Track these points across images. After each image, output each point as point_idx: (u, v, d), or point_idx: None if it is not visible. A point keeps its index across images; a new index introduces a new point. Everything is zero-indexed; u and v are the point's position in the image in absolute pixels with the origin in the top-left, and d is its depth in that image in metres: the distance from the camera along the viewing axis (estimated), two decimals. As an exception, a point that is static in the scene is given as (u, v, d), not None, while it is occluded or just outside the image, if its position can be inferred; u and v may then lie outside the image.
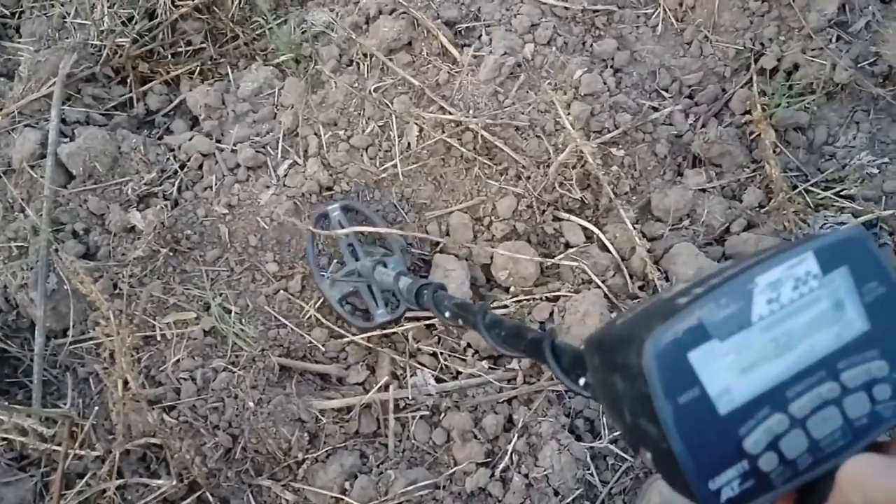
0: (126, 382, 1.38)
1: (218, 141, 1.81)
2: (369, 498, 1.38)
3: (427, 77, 1.78)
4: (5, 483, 1.40)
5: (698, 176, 1.76)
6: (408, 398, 1.52)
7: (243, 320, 1.59)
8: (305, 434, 1.44)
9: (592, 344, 0.52)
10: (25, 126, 1.76)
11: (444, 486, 1.42)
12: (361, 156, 1.76)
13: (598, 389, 0.52)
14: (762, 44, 1.84)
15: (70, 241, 1.65)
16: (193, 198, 1.73)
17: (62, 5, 2.00)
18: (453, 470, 1.44)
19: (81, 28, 1.96)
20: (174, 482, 1.37)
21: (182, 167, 1.78)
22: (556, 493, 1.39)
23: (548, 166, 1.68)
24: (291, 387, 1.52)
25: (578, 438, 1.47)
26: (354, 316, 1.61)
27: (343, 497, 1.39)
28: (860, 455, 0.45)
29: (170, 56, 2.03)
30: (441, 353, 1.59)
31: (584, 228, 1.70)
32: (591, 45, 1.87)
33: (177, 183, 1.75)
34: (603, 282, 1.61)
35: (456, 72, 1.77)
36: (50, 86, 1.81)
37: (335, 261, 1.70)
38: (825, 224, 1.68)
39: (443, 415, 1.51)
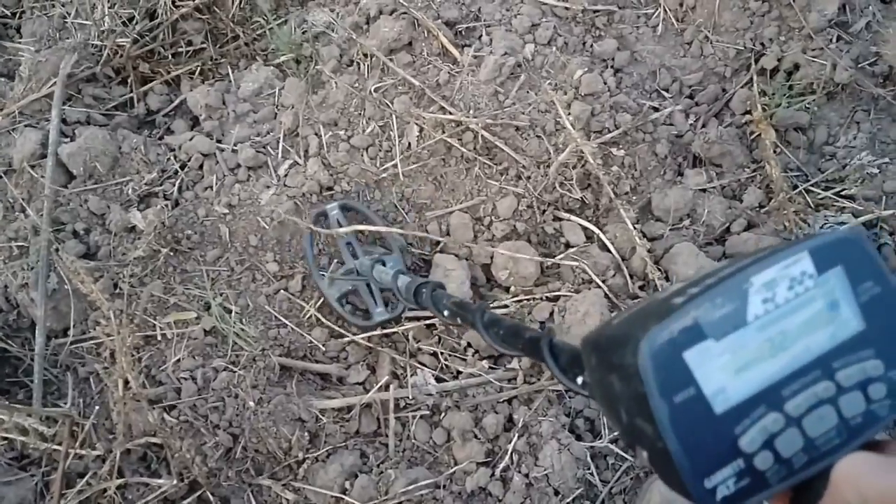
0: (126, 382, 1.38)
1: (218, 141, 1.82)
2: (369, 497, 1.38)
3: (427, 77, 1.78)
4: (6, 482, 1.41)
5: (699, 176, 1.76)
6: (408, 398, 1.52)
7: (244, 320, 1.59)
8: (306, 433, 1.44)
9: (589, 343, 0.53)
10: (26, 126, 1.77)
11: (444, 486, 1.43)
12: (362, 156, 1.76)
13: (595, 389, 0.52)
14: (762, 44, 1.84)
15: (71, 240, 1.65)
16: (194, 198, 1.74)
17: (63, 5, 2.01)
18: (454, 469, 1.44)
19: (82, 28, 1.97)
20: (175, 481, 1.38)
21: (182, 167, 1.79)
22: (557, 493, 1.39)
23: (548, 166, 1.68)
24: (292, 386, 1.52)
25: (579, 438, 1.47)
26: (354, 315, 1.62)
27: (343, 497, 1.39)
28: (855, 453, 0.46)
29: (170, 56, 2.03)
30: (441, 353, 1.60)
31: (585, 228, 1.70)
32: (592, 46, 1.87)
33: (177, 183, 1.75)
34: (603, 282, 1.61)
35: (456, 72, 1.77)
36: (50, 86, 1.82)
37: (335, 260, 1.70)
38: (825, 224, 1.68)
39: (443, 414, 1.51)
